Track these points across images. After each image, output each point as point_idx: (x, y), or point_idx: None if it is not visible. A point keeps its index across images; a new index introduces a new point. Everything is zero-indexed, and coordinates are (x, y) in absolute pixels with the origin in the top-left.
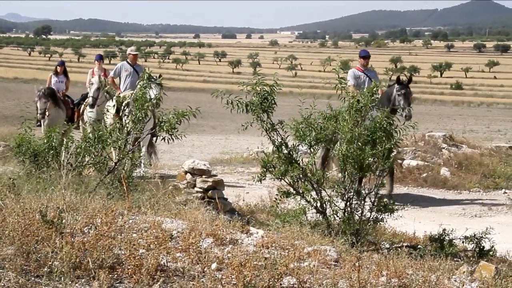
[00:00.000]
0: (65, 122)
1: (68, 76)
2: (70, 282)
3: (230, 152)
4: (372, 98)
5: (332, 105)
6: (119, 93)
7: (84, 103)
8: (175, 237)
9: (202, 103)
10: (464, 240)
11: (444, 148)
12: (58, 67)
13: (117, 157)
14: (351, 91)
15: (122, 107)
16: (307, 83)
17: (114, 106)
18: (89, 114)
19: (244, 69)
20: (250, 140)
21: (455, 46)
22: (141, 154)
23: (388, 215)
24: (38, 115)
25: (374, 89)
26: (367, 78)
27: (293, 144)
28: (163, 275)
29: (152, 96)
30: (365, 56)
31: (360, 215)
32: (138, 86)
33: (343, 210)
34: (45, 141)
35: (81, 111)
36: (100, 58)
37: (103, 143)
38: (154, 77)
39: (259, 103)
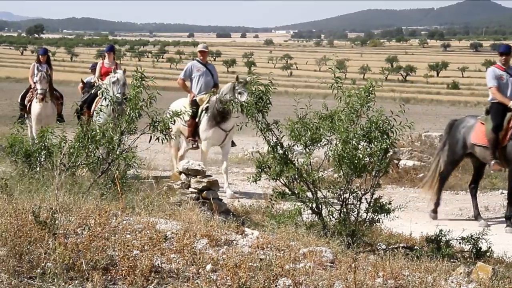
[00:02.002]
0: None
1: (52, 66)
2: (63, 284)
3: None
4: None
5: (328, 104)
6: (193, 96)
7: (98, 101)
8: (170, 238)
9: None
10: (461, 241)
11: None
12: (40, 56)
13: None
14: (493, 94)
15: (200, 112)
16: (303, 83)
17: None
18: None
19: (239, 69)
20: (245, 140)
21: (451, 46)
22: None
23: (384, 215)
24: (38, 95)
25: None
26: (511, 78)
27: (289, 144)
28: (157, 276)
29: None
30: (505, 52)
31: (356, 216)
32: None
33: (339, 211)
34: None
35: (92, 110)
36: (111, 49)
37: (96, 143)
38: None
39: (254, 103)
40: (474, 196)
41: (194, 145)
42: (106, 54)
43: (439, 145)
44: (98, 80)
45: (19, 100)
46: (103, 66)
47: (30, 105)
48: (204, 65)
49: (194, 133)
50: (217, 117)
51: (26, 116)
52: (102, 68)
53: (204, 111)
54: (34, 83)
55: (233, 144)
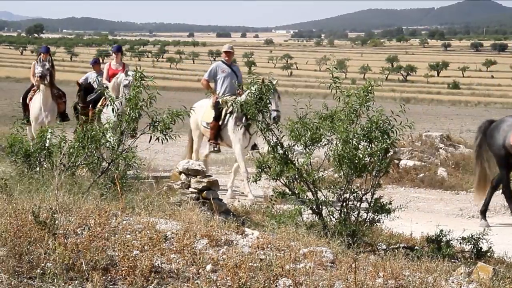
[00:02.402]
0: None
1: (54, 65)
2: (63, 284)
3: (225, 152)
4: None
5: (328, 104)
6: (217, 98)
7: (103, 102)
8: (170, 238)
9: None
10: (461, 241)
11: (441, 148)
12: (42, 54)
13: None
14: None
15: (224, 114)
16: (303, 83)
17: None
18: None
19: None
20: None
21: (452, 45)
22: None
23: (384, 216)
24: (36, 77)
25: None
26: None
27: (289, 144)
28: (157, 276)
29: None
30: None
31: (356, 216)
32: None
33: (339, 211)
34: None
35: (97, 109)
36: (119, 49)
37: (96, 143)
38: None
39: (253, 102)
40: (509, 199)
41: (215, 148)
42: (114, 54)
43: (474, 147)
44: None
45: (20, 100)
46: (110, 67)
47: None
48: (229, 66)
49: (216, 136)
50: (244, 120)
51: (29, 116)
52: (109, 70)
53: (228, 114)
54: (37, 80)
55: (255, 147)
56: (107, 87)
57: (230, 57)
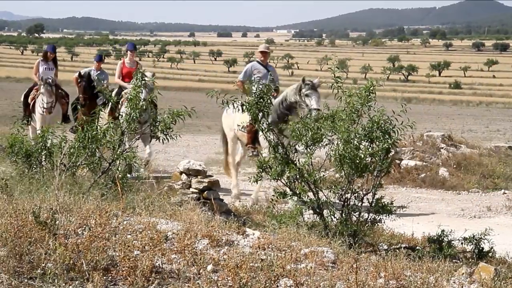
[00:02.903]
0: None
1: (57, 64)
2: (63, 284)
3: None
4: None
5: (329, 104)
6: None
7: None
8: (170, 239)
9: (198, 102)
10: (463, 241)
11: (442, 148)
12: (49, 53)
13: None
14: None
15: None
16: None
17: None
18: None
19: (240, 68)
20: None
21: (453, 45)
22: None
23: (386, 216)
24: (44, 109)
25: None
26: None
27: (290, 144)
28: (158, 277)
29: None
30: None
31: (357, 216)
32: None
33: (341, 211)
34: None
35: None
36: (133, 48)
37: (97, 143)
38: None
39: (254, 102)
40: None
41: (254, 153)
42: (128, 52)
43: None
44: (119, 81)
45: (21, 99)
46: (124, 66)
47: (34, 103)
48: (265, 67)
49: (254, 140)
50: (279, 123)
51: (29, 115)
52: (123, 68)
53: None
54: (46, 81)
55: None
56: (108, 88)
57: (266, 58)
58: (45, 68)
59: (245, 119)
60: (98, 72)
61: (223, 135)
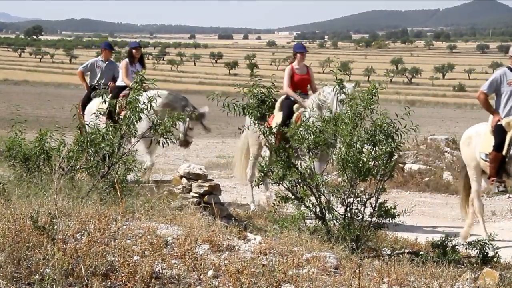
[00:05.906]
0: None
1: (145, 64)
2: None
3: (227, 156)
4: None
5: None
6: (499, 121)
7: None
8: (170, 244)
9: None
10: (467, 246)
11: (446, 151)
12: (134, 50)
13: None
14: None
15: (508, 142)
16: None
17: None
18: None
19: (241, 71)
20: None
21: (457, 47)
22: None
23: (389, 220)
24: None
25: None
26: None
27: (292, 148)
28: (157, 282)
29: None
30: None
31: (360, 220)
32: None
33: (343, 216)
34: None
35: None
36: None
37: (95, 146)
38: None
39: (256, 106)
40: None
41: (501, 189)
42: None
43: None
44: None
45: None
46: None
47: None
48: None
49: (498, 171)
50: None
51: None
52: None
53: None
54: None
55: None
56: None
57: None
58: (132, 71)
59: (489, 144)
60: (107, 62)
61: (462, 169)
